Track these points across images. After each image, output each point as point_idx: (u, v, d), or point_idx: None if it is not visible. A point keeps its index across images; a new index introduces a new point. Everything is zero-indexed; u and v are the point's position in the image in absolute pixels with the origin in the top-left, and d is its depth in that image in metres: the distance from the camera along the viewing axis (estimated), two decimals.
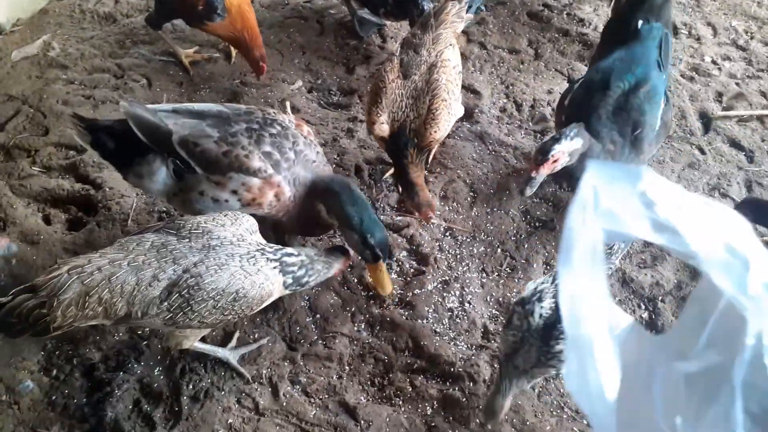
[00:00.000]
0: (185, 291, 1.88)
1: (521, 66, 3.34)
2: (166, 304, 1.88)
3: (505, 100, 3.18)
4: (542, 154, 2.20)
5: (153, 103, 2.59)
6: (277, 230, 2.51)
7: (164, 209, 2.74)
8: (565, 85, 3.25)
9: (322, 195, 2.21)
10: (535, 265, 2.56)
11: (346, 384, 2.23)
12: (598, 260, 1.14)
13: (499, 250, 2.61)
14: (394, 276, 2.50)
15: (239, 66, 3.42)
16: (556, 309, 1.80)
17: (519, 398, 2.18)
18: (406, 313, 2.39)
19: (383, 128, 2.48)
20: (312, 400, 2.20)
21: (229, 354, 2.25)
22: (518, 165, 2.90)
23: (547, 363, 1.84)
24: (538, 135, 3.05)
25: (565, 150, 2.18)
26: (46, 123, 3.09)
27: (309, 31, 3.64)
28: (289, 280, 2.04)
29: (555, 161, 2.20)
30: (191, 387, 2.22)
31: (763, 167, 2.93)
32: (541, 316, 1.83)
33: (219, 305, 1.92)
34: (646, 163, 2.56)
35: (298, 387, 2.23)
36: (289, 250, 2.07)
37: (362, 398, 2.19)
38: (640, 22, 2.49)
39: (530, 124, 3.09)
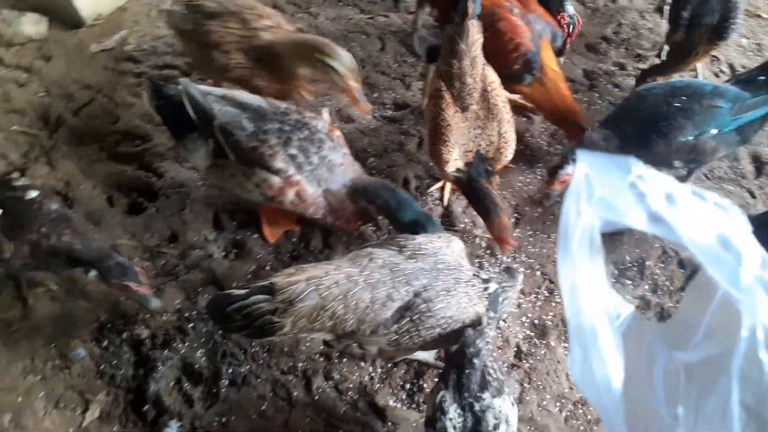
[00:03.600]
0: (417, 316, 1.84)
1: (575, 95, 3.39)
2: (395, 326, 1.85)
3: (555, 127, 3.23)
4: (550, 176, 2.50)
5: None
6: (323, 229, 2.62)
7: (220, 201, 2.87)
8: None
9: (366, 196, 2.35)
10: None
11: (378, 386, 2.30)
12: (596, 249, 1.15)
13: (538, 272, 2.65)
14: None
15: None
16: (463, 412, 1.70)
17: (545, 419, 2.21)
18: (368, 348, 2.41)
19: (458, 164, 2.47)
20: (343, 398, 2.27)
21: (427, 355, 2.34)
22: (564, 189, 2.93)
23: None
24: None
25: (572, 172, 2.28)
26: (117, 112, 3.28)
27: (370, 46, 3.77)
28: (491, 313, 1.99)
29: (563, 182, 2.40)
30: (230, 371, 2.32)
31: None
32: (455, 428, 1.69)
33: (445, 332, 1.89)
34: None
35: (330, 382, 2.31)
36: (483, 275, 2.03)
37: (391, 401, 2.26)
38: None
39: None
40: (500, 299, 1.99)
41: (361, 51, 3.72)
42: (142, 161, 3.06)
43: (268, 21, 2.70)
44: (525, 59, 2.74)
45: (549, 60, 2.83)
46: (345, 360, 2.36)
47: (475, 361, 1.74)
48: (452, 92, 2.48)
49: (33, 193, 2.26)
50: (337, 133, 2.47)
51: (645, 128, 2.50)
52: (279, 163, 2.27)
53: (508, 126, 2.52)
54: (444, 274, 1.89)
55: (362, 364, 2.35)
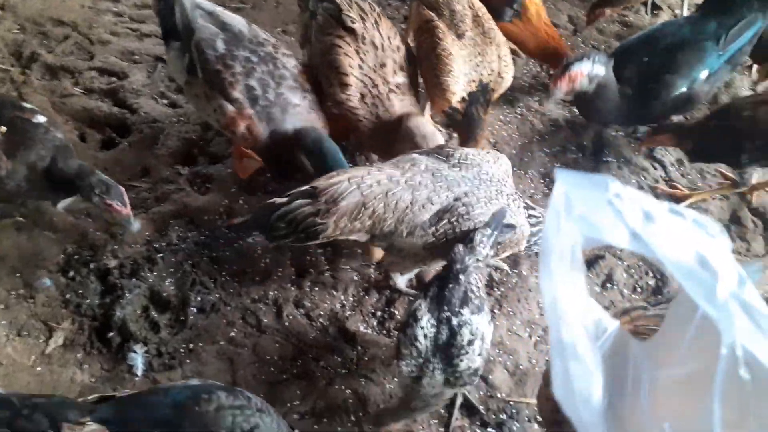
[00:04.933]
0: (455, 219, 1.85)
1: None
2: (433, 228, 1.86)
3: (538, 69, 3.19)
4: (564, 68, 2.31)
5: None
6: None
7: (194, 136, 2.82)
8: None
9: (302, 146, 2.20)
10: None
11: (348, 313, 2.27)
12: (577, 264, 1.14)
13: None
14: None
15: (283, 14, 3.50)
16: (438, 323, 1.68)
17: (514, 343, 2.20)
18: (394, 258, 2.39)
19: (463, 95, 2.40)
20: (313, 324, 2.25)
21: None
22: (543, 129, 2.90)
23: (457, 383, 1.71)
24: (568, 104, 3.04)
25: (585, 71, 2.25)
26: (93, 49, 3.20)
27: None
28: (533, 239, 1.99)
29: (574, 79, 2.29)
30: (199, 299, 2.29)
31: None
32: (426, 336, 1.68)
33: None
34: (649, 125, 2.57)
35: (301, 310, 2.28)
36: (532, 205, 2.05)
37: (362, 327, 2.23)
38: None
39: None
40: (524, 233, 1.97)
41: None
42: (116, 97, 3.00)
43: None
44: None
45: (532, 3, 2.77)
46: (317, 289, 2.33)
47: (461, 276, 1.72)
48: (444, 21, 2.42)
49: (41, 118, 2.21)
50: (305, 76, 2.36)
51: (637, 93, 2.45)
52: (236, 93, 2.19)
53: (505, 49, 2.49)
54: (486, 185, 1.90)
55: (334, 292, 2.32)
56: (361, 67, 2.26)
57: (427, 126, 2.26)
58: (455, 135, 2.63)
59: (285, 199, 1.83)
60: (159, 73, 3.12)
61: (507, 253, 2.06)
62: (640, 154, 2.82)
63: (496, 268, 2.38)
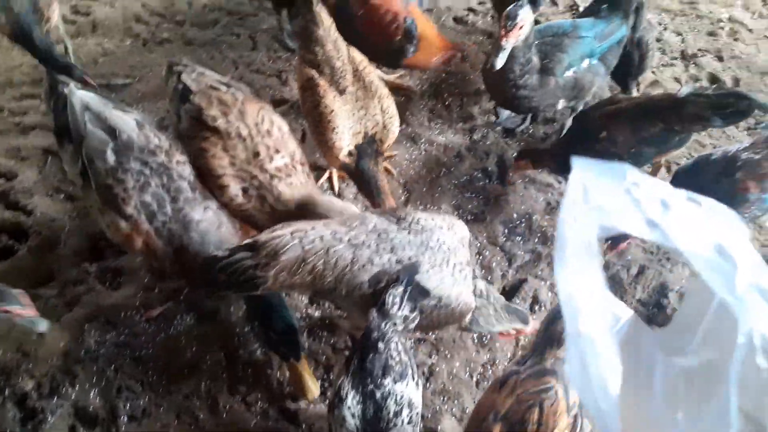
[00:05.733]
0: (392, 282, 1.79)
1: (449, 68, 3.42)
2: (371, 290, 1.81)
3: (434, 102, 3.25)
4: (510, 18, 2.26)
5: None
6: None
7: (98, 232, 2.69)
8: None
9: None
10: None
11: (287, 389, 2.22)
12: (594, 255, 1.13)
13: None
14: None
15: None
16: (363, 398, 1.66)
17: (456, 387, 2.21)
18: (345, 313, 2.40)
19: (350, 148, 2.41)
20: (252, 409, 2.18)
21: None
22: (448, 161, 2.96)
23: None
24: (467, 133, 3.12)
25: (526, 18, 2.29)
26: None
27: (241, 47, 3.67)
28: (478, 314, 1.96)
29: (521, 27, 2.29)
30: (128, 406, 2.18)
31: None
32: (354, 415, 1.64)
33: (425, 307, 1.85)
34: (540, 103, 2.69)
35: (237, 397, 2.21)
36: (480, 284, 2.01)
37: (302, 403, 2.19)
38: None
39: (460, 123, 3.16)
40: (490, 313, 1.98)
41: (232, 53, 3.61)
42: (7, 200, 2.84)
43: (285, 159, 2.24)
44: (405, 28, 2.70)
45: (422, 23, 2.81)
46: (250, 370, 2.27)
47: (380, 344, 1.68)
48: (325, 78, 2.43)
49: None
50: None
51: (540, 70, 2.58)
52: (130, 209, 2.04)
53: (388, 101, 2.51)
54: (432, 252, 1.86)
55: (269, 370, 2.26)
56: (233, 164, 2.16)
57: (334, 203, 2.21)
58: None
59: (225, 253, 1.81)
60: (50, 168, 2.98)
61: (446, 328, 2.03)
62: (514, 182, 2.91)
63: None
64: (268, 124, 2.24)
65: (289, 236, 1.79)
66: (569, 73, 2.61)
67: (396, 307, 1.72)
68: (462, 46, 2.88)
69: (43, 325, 2.04)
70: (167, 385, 2.23)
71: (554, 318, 1.71)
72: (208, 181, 2.19)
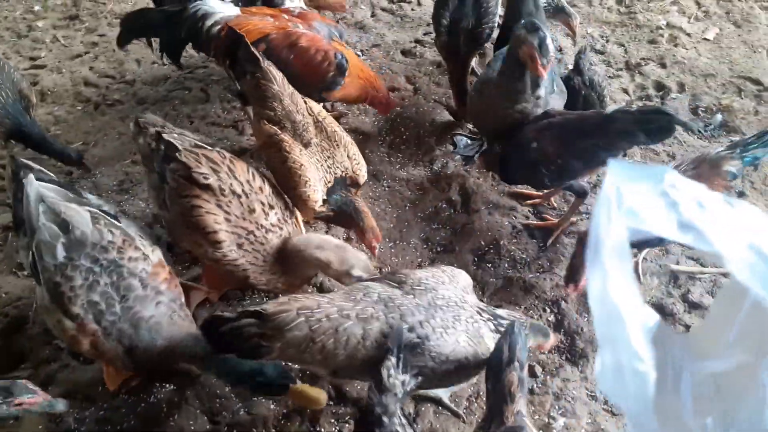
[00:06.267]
0: (410, 353, 1.77)
1: (403, 102, 3.48)
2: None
3: (392, 137, 3.29)
4: (548, 51, 2.27)
5: None
6: None
7: None
8: (446, 113, 3.42)
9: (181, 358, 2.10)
10: None
11: None
12: (626, 258, 1.12)
13: None
14: None
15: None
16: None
17: (445, 425, 2.22)
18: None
19: (322, 198, 2.43)
20: None
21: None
22: (412, 195, 2.99)
23: None
24: (428, 164, 3.16)
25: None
26: None
27: (194, 101, 3.67)
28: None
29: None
30: None
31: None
32: None
33: (441, 369, 1.83)
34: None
35: None
36: (500, 312, 1.99)
37: None
38: None
39: (420, 155, 3.21)
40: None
41: (185, 107, 3.62)
42: None
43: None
44: (337, 63, 2.80)
45: (348, 54, 2.91)
46: (234, 431, 2.24)
47: (384, 419, 1.62)
48: (288, 133, 2.43)
49: None
50: (163, 276, 2.14)
51: None
52: (76, 308, 1.98)
53: (352, 147, 2.55)
54: (442, 312, 1.85)
55: (253, 430, 2.23)
56: (228, 220, 2.17)
57: (312, 239, 2.24)
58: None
59: (233, 315, 1.80)
60: (11, 245, 2.92)
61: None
62: (504, 195, 2.98)
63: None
64: (259, 181, 2.28)
65: (294, 313, 1.79)
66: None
67: (392, 378, 1.69)
68: (385, 94, 3.01)
69: (62, 405, 2.01)
70: None
71: (498, 374, 1.70)
72: (199, 238, 2.19)
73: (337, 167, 2.46)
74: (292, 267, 2.26)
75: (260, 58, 2.41)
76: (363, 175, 2.54)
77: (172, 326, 2.08)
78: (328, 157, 2.46)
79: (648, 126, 2.26)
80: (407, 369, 1.72)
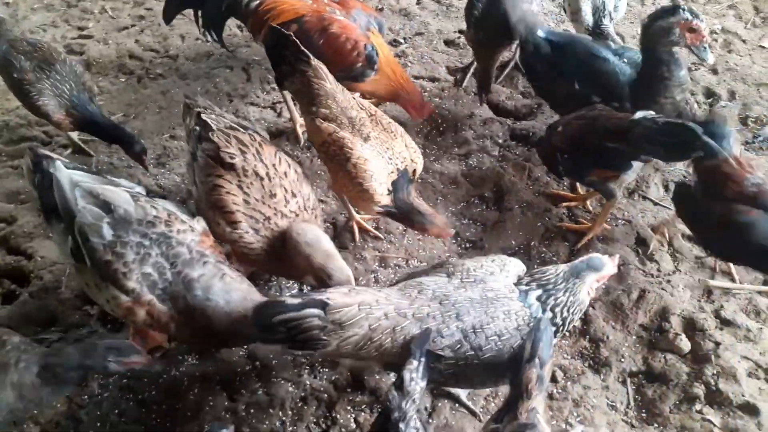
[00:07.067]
0: (463, 351, 1.82)
1: (442, 93, 3.44)
2: (442, 365, 1.83)
3: (429, 128, 3.26)
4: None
5: None
6: None
7: None
8: (486, 108, 3.37)
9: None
10: None
11: (290, 429, 2.22)
12: None
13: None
14: None
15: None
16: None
17: (459, 421, 2.21)
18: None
19: (386, 192, 2.43)
20: None
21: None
22: (445, 189, 2.96)
23: None
24: (462, 159, 3.12)
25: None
26: None
27: (235, 79, 3.70)
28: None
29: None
30: None
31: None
32: None
33: (491, 375, 1.89)
34: None
35: None
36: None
37: None
38: None
39: (456, 149, 3.17)
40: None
41: (226, 85, 3.65)
42: (8, 245, 2.86)
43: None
44: (366, 54, 2.76)
45: (381, 48, 2.87)
46: (253, 411, 2.26)
47: (401, 425, 1.63)
48: (346, 130, 2.41)
49: None
50: (208, 243, 2.16)
51: None
52: (131, 283, 2.01)
53: (407, 136, 2.54)
54: (494, 305, 1.86)
55: (271, 411, 2.26)
56: (247, 202, 2.19)
57: (309, 231, 2.20)
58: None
59: (296, 302, 1.77)
60: None
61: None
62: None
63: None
64: (285, 166, 2.28)
65: (357, 308, 1.80)
66: None
67: (414, 382, 1.68)
68: (420, 99, 2.95)
69: (158, 367, 2.22)
70: (171, 427, 2.23)
71: (518, 369, 1.70)
72: (217, 217, 2.21)
73: (398, 157, 2.44)
74: (288, 254, 2.23)
75: (310, 56, 2.39)
76: (421, 163, 2.54)
77: (224, 283, 2.09)
78: (387, 149, 2.44)
79: (671, 139, 2.22)
80: (426, 374, 1.72)
